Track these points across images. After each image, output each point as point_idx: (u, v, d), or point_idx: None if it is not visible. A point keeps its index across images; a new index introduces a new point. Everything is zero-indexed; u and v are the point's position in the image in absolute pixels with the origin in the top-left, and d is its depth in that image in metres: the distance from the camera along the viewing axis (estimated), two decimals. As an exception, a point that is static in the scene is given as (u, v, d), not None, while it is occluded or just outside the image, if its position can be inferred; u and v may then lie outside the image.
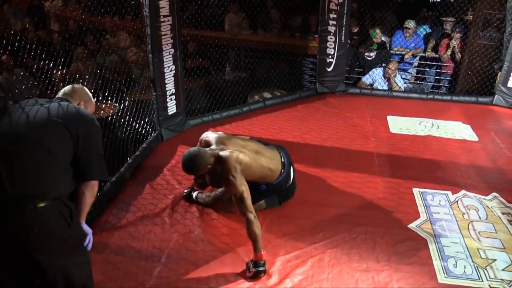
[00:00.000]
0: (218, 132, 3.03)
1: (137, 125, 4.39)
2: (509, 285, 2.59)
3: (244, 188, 2.69)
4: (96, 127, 2.12)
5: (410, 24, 6.01)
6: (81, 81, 5.01)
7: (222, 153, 2.77)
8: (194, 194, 3.36)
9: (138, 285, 2.54)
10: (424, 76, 6.27)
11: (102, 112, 4.70)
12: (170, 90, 4.28)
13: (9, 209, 1.84)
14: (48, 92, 4.73)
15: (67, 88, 2.28)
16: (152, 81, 4.16)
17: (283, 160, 3.11)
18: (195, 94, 5.47)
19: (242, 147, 2.90)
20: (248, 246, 2.87)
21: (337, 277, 2.64)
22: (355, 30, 6.31)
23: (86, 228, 2.14)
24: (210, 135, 2.99)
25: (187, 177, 3.71)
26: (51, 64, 4.63)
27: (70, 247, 1.99)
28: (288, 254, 2.82)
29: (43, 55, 4.29)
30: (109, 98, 4.73)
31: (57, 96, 2.25)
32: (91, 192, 2.10)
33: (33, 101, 2.10)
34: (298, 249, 2.86)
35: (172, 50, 4.14)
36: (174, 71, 4.24)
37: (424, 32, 6.31)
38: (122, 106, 4.67)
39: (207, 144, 2.92)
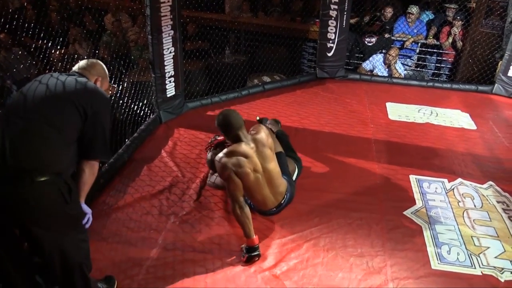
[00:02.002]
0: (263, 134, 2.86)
1: (136, 106, 4.38)
2: (501, 272, 2.63)
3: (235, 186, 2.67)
4: (108, 108, 2.13)
5: (413, 9, 5.95)
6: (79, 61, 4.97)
7: (241, 147, 2.70)
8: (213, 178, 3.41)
9: (135, 266, 2.57)
10: (424, 63, 6.24)
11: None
12: (169, 72, 4.26)
13: (8, 181, 1.85)
14: (47, 72, 4.70)
15: (85, 62, 2.24)
16: (151, 62, 4.13)
17: (285, 197, 2.97)
18: (194, 77, 5.45)
19: (258, 166, 2.74)
20: (245, 229, 2.90)
21: (332, 262, 2.67)
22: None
23: (85, 207, 2.15)
24: (261, 131, 2.86)
25: (185, 159, 3.73)
26: (50, 44, 4.59)
27: (67, 224, 2.00)
28: (284, 238, 2.85)
29: (42, 34, 4.25)
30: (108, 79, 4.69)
31: (74, 69, 2.21)
32: (91, 170, 2.09)
33: (49, 76, 2.08)
34: (294, 233, 2.89)
35: (172, 31, 4.11)
36: (173, 53, 4.22)
37: (427, 19, 6.26)
38: (120, 87, 4.65)
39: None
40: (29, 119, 1.92)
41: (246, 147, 2.70)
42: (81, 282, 2.13)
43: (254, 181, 2.74)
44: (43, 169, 1.88)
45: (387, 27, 6.10)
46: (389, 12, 6.09)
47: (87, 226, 2.16)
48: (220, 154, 2.68)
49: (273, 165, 2.83)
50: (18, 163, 1.86)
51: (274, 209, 2.96)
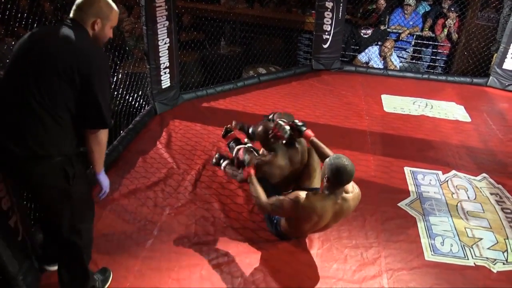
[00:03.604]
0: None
1: (131, 98, 4.36)
2: (494, 263, 2.66)
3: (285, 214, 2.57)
4: (99, 69, 1.86)
5: (411, 1, 5.93)
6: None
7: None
8: (224, 163, 3.28)
9: (131, 257, 2.57)
10: (420, 55, 6.23)
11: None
12: (164, 63, 4.23)
13: (15, 158, 1.85)
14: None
15: (81, 1, 1.91)
16: (146, 53, 4.11)
17: None
18: (189, 68, 5.42)
19: (324, 223, 2.53)
20: (240, 221, 2.91)
21: (327, 253, 2.69)
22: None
23: (101, 178, 2.09)
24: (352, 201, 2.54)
25: (180, 151, 3.73)
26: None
27: (69, 199, 1.98)
28: (279, 230, 2.85)
29: (35, 25, 4.20)
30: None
31: (70, 14, 1.93)
32: (95, 140, 1.95)
33: (38, 33, 1.90)
34: (289, 224, 2.90)
35: (167, 22, 4.08)
36: (168, 44, 4.19)
37: (423, 10, 6.24)
38: (115, 78, 4.62)
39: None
40: (17, 94, 1.80)
41: (334, 202, 2.43)
42: (80, 269, 2.16)
43: (312, 227, 2.53)
44: (42, 147, 1.83)
45: (382, 18, 6.08)
46: (382, 4, 6.07)
47: (102, 197, 2.16)
48: (311, 196, 2.41)
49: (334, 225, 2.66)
50: (19, 142, 1.81)
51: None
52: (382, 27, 6.04)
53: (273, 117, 3.22)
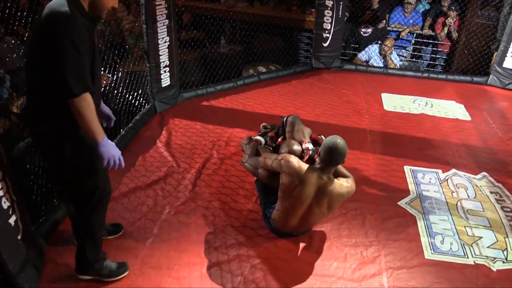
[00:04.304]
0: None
1: (130, 96, 4.36)
2: (493, 261, 2.66)
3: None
4: (57, 30, 1.79)
5: None
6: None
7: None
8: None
9: (131, 256, 2.57)
10: (420, 54, 6.23)
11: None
12: (164, 62, 4.23)
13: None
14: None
15: None
16: (146, 52, 4.10)
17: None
18: (189, 67, 5.42)
19: (308, 199, 2.55)
20: (240, 219, 2.91)
21: (327, 251, 2.69)
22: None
23: (100, 150, 1.97)
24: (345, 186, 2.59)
25: (180, 150, 3.73)
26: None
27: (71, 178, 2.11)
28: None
29: (35, 23, 4.20)
30: (102, 68, 4.66)
31: None
32: (75, 109, 1.87)
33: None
34: (289, 223, 2.90)
35: (167, 21, 4.07)
36: (168, 43, 4.19)
37: (423, 9, 6.24)
38: (115, 77, 4.62)
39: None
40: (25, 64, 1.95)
41: (319, 176, 2.48)
42: (89, 241, 2.27)
43: (294, 201, 2.52)
44: (42, 118, 1.96)
45: (378, 13, 6.07)
46: (375, 1, 6.06)
47: (114, 168, 2.04)
48: (299, 161, 2.52)
49: (318, 214, 2.61)
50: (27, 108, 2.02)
51: (287, 234, 2.77)
52: (381, 25, 6.03)
53: (286, 120, 3.25)
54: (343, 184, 2.55)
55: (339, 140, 2.43)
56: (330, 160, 2.44)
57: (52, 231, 2.71)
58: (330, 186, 2.49)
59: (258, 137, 3.30)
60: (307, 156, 2.74)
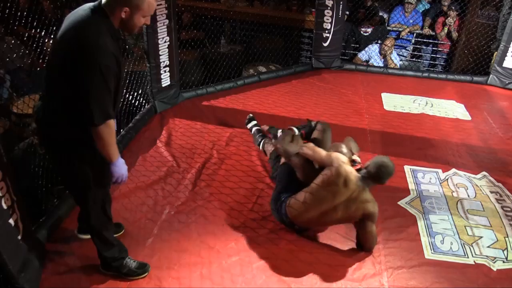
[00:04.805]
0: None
1: (131, 96, 4.36)
2: (493, 261, 2.66)
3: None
4: (89, 59, 1.79)
5: None
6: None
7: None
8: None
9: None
10: (420, 54, 6.23)
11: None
12: (164, 61, 4.23)
13: None
14: (40, 61, 4.65)
15: None
16: (146, 52, 4.10)
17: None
18: (189, 67, 5.41)
19: (335, 203, 2.62)
20: (240, 219, 2.92)
21: (327, 251, 2.69)
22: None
23: (112, 169, 2.06)
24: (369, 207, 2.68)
25: (180, 150, 3.73)
26: (43, 33, 4.54)
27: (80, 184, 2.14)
28: (279, 228, 2.85)
29: (35, 23, 4.19)
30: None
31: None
32: (96, 136, 1.93)
33: (68, 16, 1.93)
34: (289, 223, 2.90)
35: (167, 21, 4.07)
36: (168, 43, 4.18)
37: (423, 8, 6.24)
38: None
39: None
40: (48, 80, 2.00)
41: (362, 186, 2.58)
42: (99, 242, 2.30)
43: (327, 195, 2.59)
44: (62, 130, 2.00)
45: (374, 11, 6.06)
46: None
47: (120, 184, 2.19)
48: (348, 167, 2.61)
49: (337, 217, 2.65)
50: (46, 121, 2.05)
51: (297, 227, 2.81)
52: (377, 22, 6.01)
53: (315, 125, 3.37)
54: (375, 205, 2.65)
55: (390, 163, 2.59)
56: (377, 176, 2.56)
57: (52, 231, 2.71)
58: (362, 198, 2.58)
59: (294, 127, 3.42)
60: (358, 165, 2.76)
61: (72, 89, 1.86)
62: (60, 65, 1.89)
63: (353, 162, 2.73)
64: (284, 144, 2.96)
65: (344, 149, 2.89)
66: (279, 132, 3.50)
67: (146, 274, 2.45)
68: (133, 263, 2.44)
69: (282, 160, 3.07)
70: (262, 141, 3.58)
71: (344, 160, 2.64)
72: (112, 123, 1.96)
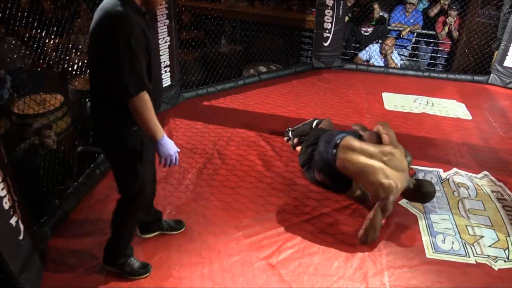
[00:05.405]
0: None
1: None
2: (495, 260, 2.65)
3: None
4: (114, 31, 1.82)
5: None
6: (73, 51, 4.94)
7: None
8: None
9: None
10: (420, 53, 6.22)
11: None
12: (164, 62, 4.23)
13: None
14: (41, 61, 4.66)
15: None
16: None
17: None
18: (190, 67, 5.42)
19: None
20: (241, 219, 2.91)
21: (328, 251, 2.69)
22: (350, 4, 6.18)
23: (158, 148, 2.02)
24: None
25: (181, 150, 3.72)
26: (43, 33, 4.55)
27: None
28: (279, 228, 2.85)
29: (35, 24, 4.20)
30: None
31: None
32: (133, 109, 1.91)
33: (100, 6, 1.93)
34: (290, 222, 2.91)
35: (167, 21, 4.08)
36: (168, 43, 4.19)
37: (423, 7, 6.23)
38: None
39: None
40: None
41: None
42: (118, 232, 2.36)
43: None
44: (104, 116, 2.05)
45: (369, 8, 6.06)
46: (376, 8, 6.05)
47: (170, 166, 2.12)
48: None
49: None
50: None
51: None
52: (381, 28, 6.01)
53: (318, 123, 3.62)
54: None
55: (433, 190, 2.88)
56: (417, 196, 2.88)
57: (53, 231, 2.71)
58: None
59: (290, 131, 3.88)
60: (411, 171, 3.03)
61: (106, 69, 1.88)
62: (94, 52, 1.93)
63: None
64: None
65: (409, 157, 3.09)
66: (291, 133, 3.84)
67: (148, 274, 2.45)
68: (136, 263, 2.44)
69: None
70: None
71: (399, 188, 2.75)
72: (147, 96, 1.92)
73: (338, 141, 2.93)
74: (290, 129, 3.91)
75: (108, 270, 2.45)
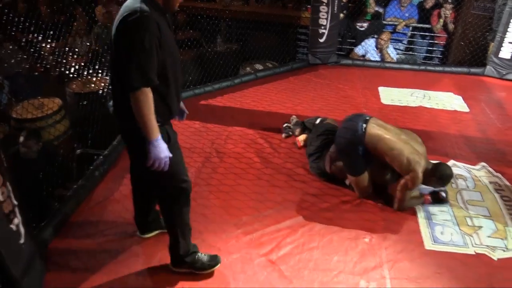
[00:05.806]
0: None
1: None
2: (494, 251, 2.67)
3: None
4: (128, 25, 1.85)
5: None
6: (70, 54, 4.95)
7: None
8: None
9: (132, 256, 2.59)
10: (416, 46, 6.23)
11: (93, 85, 4.67)
12: (161, 62, 4.23)
13: None
14: (38, 65, 4.67)
15: None
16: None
17: None
18: (186, 66, 5.43)
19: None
20: (240, 216, 2.93)
21: (327, 245, 2.70)
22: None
23: (149, 148, 1.96)
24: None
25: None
26: (40, 37, 4.56)
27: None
28: (279, 224, 2.87)
29: (32, 28, 4.21)
30: (100, 71, 4.68)
31: None
32: (134, 103, 1.90)
33: None
34: (289, 218, 2.92)
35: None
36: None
37: (418, 1, 6.23)
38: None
39: None
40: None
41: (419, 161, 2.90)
42: (179, 234, 2.33)
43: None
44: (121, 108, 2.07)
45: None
46: (372, 3, 6.05)
47: (157, 170, 2.03)
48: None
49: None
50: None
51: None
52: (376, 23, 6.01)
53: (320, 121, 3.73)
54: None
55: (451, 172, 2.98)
56: (441, 177, 2.92)
57: (54, 234, 2.72)
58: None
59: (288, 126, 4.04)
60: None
61: (121, 64, 1.91)
62: (114, 46, 1.96)
63: None
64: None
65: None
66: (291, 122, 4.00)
67: (218, 265, 2.46)
68: (204, 257, 2.45)
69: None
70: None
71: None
72: (149, 93, 1.90)
73: (368, 117, 3.04)
74: (288, 125, 3.93)
75: (177, 272, 2.45)
